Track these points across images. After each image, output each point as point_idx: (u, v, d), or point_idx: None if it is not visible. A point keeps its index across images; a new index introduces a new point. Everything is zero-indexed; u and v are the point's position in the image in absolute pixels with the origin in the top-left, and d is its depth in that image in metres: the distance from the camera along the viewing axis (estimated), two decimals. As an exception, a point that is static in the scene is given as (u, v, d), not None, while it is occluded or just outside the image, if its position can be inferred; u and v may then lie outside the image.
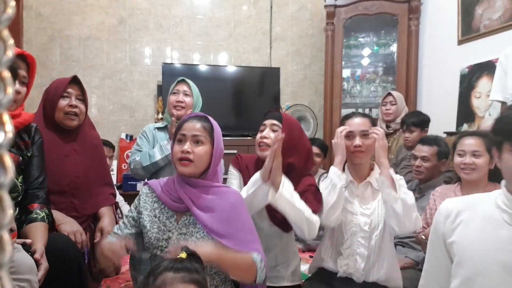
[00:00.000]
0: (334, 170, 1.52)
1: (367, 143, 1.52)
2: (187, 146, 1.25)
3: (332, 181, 1.49)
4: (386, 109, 2.93)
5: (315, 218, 1.40)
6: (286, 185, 1.37)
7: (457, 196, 1.56)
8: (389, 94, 2.97)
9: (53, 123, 1.64)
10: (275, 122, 1.52)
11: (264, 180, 1.38)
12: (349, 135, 1.54)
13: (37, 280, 1.14)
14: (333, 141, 1.57)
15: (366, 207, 1.53)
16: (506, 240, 0.96)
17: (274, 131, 1.51)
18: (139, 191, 1.38)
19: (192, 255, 1.09)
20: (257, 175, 1.41)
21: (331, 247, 1.58)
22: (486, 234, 1.00)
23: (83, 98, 1.69)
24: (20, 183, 1.38)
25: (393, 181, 1.44)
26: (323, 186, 1.52)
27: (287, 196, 1.35)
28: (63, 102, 1.62)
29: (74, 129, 1.67)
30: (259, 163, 1.52)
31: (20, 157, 1.39)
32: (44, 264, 1.22)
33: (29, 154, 1.43)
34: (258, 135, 1.54)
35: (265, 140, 1.50)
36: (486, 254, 0.99)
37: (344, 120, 1.61)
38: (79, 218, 1.59)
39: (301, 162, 1.53)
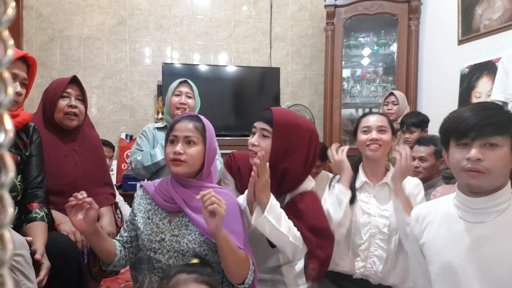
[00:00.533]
0: (339, 187, 1.50)
1: (384, 138, 1.52)
2: (179, 147, 1.23)
3: (338, 198, 1.48)
4: (388, 109, 2.92)
5: (300, 241, 1.27)
6: (272, 207, 1.23)
7: None
8: (391, 93, 2.96)
9: (53, 123, 1.64)
10: (265, 126, 1.34)
11: (249, 203, 1.29)
12: (366, 130, 1.54)
13: (29, 256, 1.13)
14: (334, 157, 1.56)
15: (384, 209, 1.50)
16: (459, 233, 1.04)
17: (264, 136, 1.34)
18: (139, 191, 1.39)
19: (204, 261, 1.12)
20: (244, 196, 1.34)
21: (347, 249, 1.54)
22: (445, 231, 1.08)
23: (82, 98, 1.68)
24: (19, 182, 1.38)
25: (406, 205, 1.42)
26: (329, 202, 1.50)
27: (271, 220, 1.22)
28: (62, 103, 1.62)
29: (74, 129, 1.67)
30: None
31: (19, 157, 1.40)
32: (46, 263, 1.22)
33: (27, 154, 1.43)
34: (249, 139, 1.40)
35: (253, 148, 1.35)
36: (446, 249, 1.06)
37: (361, 118, 1.62)
38: None
39: (299, 167, 1.36)
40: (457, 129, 1.01)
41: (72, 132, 1.67)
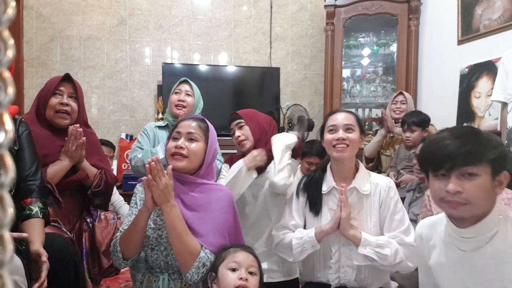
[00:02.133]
0: (311, 236, 1.39)
1: (352, 137, 1.41)
2: (181, 141, 1.26)
3: (304, 246, 1.40)
4: (397, 107, 2.94)
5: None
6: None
7: None
8: (401, 93, 2.98)
9: (46, 121, 1.62)
10: (238, 121, 1.74)
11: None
12: (332, 129, 1.44)
13: (25, 282, 1.11)
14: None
15: (353, 217, 1.40)
16: (457, 262, 1.03)
17: (241, 127, 1.72)
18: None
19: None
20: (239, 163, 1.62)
21: (318, 262, 1.46)
22: (444, 259, 1.07)
23: (76, 96, 1.66)
24: None
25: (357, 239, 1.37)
26: (295, 242, 1.42)
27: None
28: (54, 100, 1.60)
29: (68, 126, 1.65)
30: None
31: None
32: (45, 264, 1.21)
33: (16, 148, 1.38)
34: (233, 137, 1.77)
35: (239, 139, 1.71)
36: (448, 279, 1.06)
37: (327, 116, 1.53)
38: (74, 213, 1.61)
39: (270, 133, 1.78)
40: (433, 160, 1.00)
41: (66, 129, 1.65)
